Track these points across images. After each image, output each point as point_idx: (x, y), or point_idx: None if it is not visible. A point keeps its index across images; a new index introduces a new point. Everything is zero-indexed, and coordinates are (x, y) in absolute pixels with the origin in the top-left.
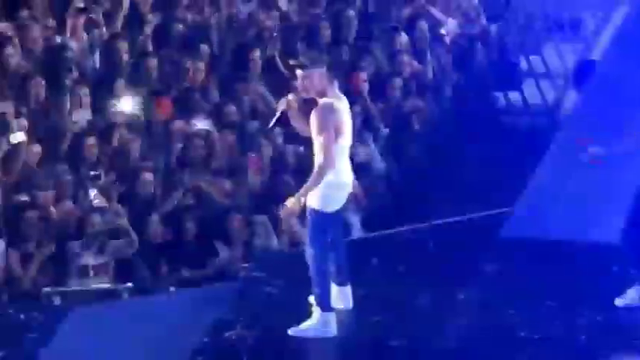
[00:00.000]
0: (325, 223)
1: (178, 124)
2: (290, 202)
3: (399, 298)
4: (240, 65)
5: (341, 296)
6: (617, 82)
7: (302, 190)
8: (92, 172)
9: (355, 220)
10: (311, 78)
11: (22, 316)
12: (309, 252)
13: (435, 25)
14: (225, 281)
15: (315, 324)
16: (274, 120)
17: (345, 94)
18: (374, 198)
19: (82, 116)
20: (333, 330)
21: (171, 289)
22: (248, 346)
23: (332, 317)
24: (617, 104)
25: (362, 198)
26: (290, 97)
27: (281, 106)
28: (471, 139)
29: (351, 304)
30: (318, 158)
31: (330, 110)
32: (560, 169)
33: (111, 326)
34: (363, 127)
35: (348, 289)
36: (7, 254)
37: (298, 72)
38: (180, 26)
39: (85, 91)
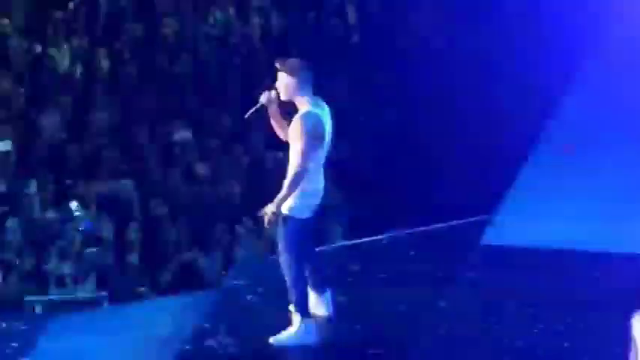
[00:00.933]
0: (300, 230)
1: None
2: (269, 210)
3: (380, 305)
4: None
5: (320, 303)
6: (604, 88)
7: (279, 197)
8: (68, 181)
9: (337, 228)
10: (288, 82)
11: (3, 325)
12: (284, 259)
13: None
14: (205, 289)
15: (296, 331)
16: (252, 110)
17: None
18: (356, 205)
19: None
20: (313, 337)
21: (152, 297)
22: (229, 354)
23: (312, 324)
24: (604, 110)
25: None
26: (273, 92)
27: (262, 98)
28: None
29: (331, 311)
30: (293, 164)
31: (314, 121)
32: (546, 175)
33: (91, 335)
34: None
35: (328, 295)
36: None
37: (279, 74)
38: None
39: (66, 100)
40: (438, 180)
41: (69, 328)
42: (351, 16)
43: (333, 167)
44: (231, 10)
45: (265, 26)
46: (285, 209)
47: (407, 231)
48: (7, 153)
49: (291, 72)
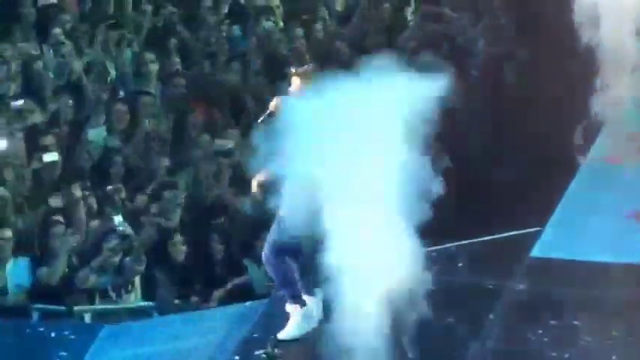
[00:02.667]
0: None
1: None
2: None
3: (428, 317)
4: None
5: (311, 305)
6: None
7: None
8: (109, 187)
9: None
10: (302, 88)
11: (52, 334)
12: (267, 257)
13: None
14: (254, 299)
15: (298, 321)
16: (263, 117)
17: None
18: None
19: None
20: (316, 316)
21: (201, 307)
22: None
23: (309, 308)
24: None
25: None
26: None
27: (272, 104)
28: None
29: (321, 314)
30: None
31: None
32: (592, 188)
33: (139, 345)
34: None
35: (319, 297)
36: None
37: (293, 79)
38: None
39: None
40: (487, 192)
41: (117, 338)
42: None
43: None
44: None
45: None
46: (283, 212)
47: (456, 243)
48: (53, 163)
49: (305, 77)
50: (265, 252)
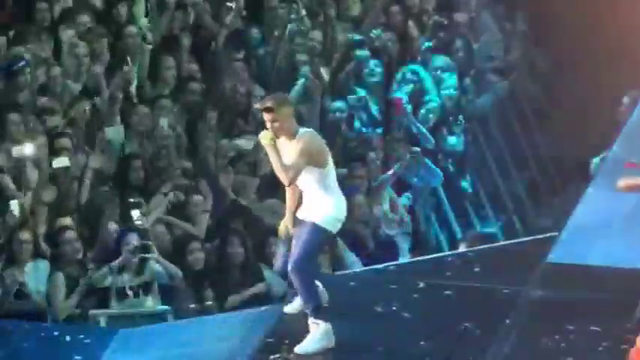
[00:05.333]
0: (324, 242)
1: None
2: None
3: (445, 322)
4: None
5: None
6: None
7: (288, 214)
8: (131, 200)
9: (404, 245)
10: (278, 120)
11: (67, 338)
12: (298, 266)
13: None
14: (270, 304)
15: (316, 337)
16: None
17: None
18: (421, 223)
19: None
20: (332, 339)
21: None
22: None
23: (329, 327)
24: None
25: None
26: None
27: (262, 140)
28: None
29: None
30: (287, 175)
31: (317, 138)
32: (609, 195)
33: (154, 349)
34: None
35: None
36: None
37: (266, 115)
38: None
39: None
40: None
41: (132, 342)
42: None
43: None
44: None
45: None
46: (317, 219)
47: (473, 248)
48: (66, 169)
49: (282, 106)
50: (295, 260)
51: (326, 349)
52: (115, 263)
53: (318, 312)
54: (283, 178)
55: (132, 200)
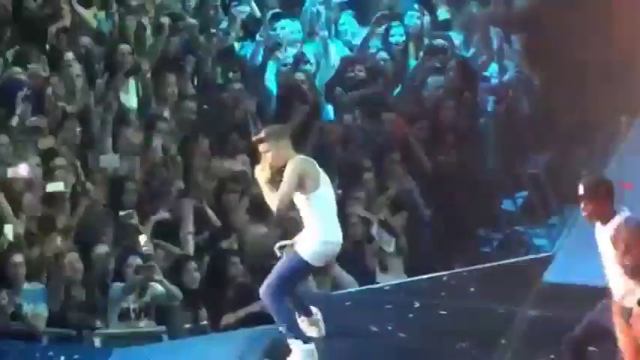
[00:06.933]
0: (306, 273)
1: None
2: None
3: (441, 342)
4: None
5: (312, 325)
6: None
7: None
8: (122, 212)
9: (398, 265)
10: (270, 151)
11: (62, 358)
12: (269, 291)
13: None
14: (266, 323)
15: (298, 357)
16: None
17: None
18: (416, 242)
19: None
20: (315, 358)
21: (211, 331)
22: None
23: (311, 346)
24: None
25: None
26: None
27: (257, 175)
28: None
29: (324, 330)
30: (275, 205)
31: (306, 165)
32: None
33: None
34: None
35: (318, 315)
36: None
37: (261, 146)
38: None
39: (131, 132)
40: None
41: None
42: None
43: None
44: None
45: None
46: (302, 252)
47: (468, 268)
48: (63, 194)
49: (272, 139)
50: (268, 284)
51: None
52: (127, 284)
53: (295, 332)
54: (272, 208)
55: (123, 213)
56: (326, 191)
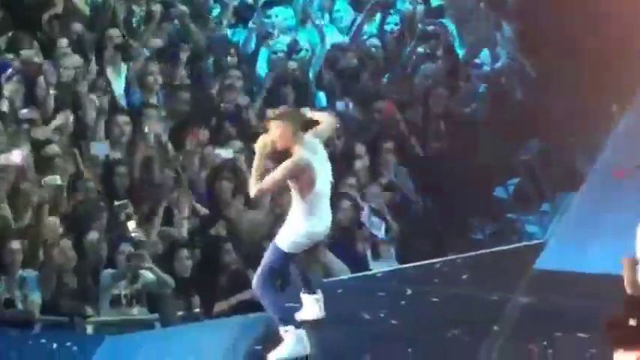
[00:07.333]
0: (287, 262)
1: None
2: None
3: (433, 329)
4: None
5: (312, 304)
6: None
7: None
8: (117, 202)
9: (390, 252)
10: (282, 130)
11: (54, 345)
12: (256, 284)
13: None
14: (257, 311)
15: (288, 344)
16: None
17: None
18: (408, 229)
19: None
20: (306, 345)
21: (204, 319)
22: None
23: (302, 333)
24: None
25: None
26: (268, 137)
27: (258, 143)
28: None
29: (323, 312)
30: (254, 185)
31: (302, 167)
32: (596, 201)
33: (142, 356)
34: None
35: (319, 295)
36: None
37: (271, 124)
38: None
39: (124, 120)
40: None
41: (119, 350)
42: None
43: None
44: None
45: None
46: (280, 243)
47: (460, 255)
48: (60, 187)
49: (285, 119)
50: (256, 277)
51: (302, 356)
52: (117, 272)
53: (287, 321)
54: (251, 187)
55: (117, 203)
56: (321, 187)
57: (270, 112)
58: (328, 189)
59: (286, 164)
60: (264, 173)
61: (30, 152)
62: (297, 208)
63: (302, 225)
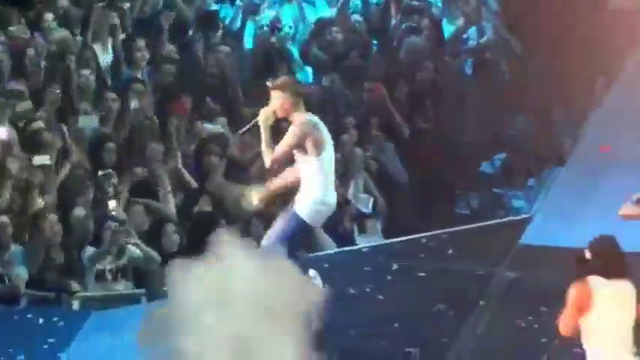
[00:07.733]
0: (304, 232)
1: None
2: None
3: (419, 304)
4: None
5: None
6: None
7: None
8: (101, 172)
9: (376, 227)
10: (283, 100)
11: (40, 321)
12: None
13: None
14: None
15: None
16: (246, 128)
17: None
18: (394, 205)
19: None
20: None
21: None
22: None
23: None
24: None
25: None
26: (269, 109)
27: (260, 116)
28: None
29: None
30: (267, 157)
31: (308, 126)
32: (583, 176)
33: (128, 331)
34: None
35: (317, 280)
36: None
37: (272, 93)
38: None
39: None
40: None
41: (105, 325)
42: None
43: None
44: None
45: None
46: (301, 212)
47: (446, 230)
48: (49, 167)
49: (284, 89)
50: (268, 240)
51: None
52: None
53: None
54: (266, 159)
55: (102, 173)
56: (329, 154)
57: (269, 82)
58: (333, 161)
59: (292, 129)
60: (272, 144)
61: (11, 127)
62: (308, 176)
63: (318, 193)
